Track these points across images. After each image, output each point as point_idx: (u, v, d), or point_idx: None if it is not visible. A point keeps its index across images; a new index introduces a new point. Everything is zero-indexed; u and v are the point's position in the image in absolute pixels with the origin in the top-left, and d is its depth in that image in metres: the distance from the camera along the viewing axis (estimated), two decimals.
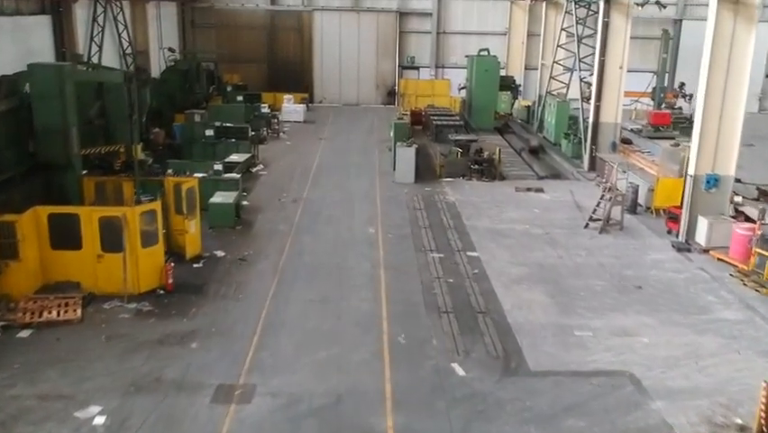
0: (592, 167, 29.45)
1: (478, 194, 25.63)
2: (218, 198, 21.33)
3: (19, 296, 15.15)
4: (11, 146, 17.20)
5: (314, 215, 22.65)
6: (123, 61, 35.57)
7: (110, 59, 33.73)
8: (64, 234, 15.80)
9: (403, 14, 46.95)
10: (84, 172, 22.38)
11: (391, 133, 29.65)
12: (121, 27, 34.85)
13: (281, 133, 36.42)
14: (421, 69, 47.72)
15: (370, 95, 48.21)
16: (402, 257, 18.93)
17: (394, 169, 27.73)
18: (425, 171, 28.40)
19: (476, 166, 27.76)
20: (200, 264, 18.11)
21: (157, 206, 16.35)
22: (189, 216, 18.20)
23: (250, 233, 20.78)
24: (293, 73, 47.35)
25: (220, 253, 18.88)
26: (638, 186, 23.94)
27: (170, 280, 16.40)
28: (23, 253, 15.12)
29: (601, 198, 22.04)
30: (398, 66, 47.60)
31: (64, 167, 17.70)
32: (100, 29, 31.86)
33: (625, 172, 25.91)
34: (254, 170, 28.44)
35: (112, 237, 15.76)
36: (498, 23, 47.01)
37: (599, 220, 21.76)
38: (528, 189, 26.13)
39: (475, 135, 32.90)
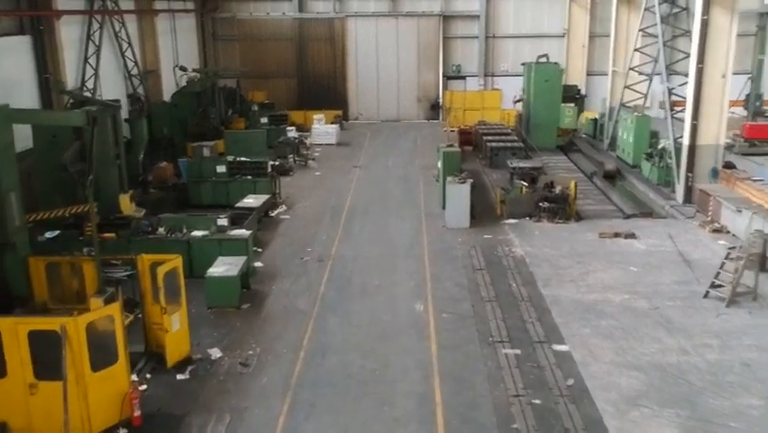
0: (688, 199, 23.78)
1: (552, 243, 20.23)
2: (219, 267, 16.41)
3: None
4: None
5: (343, 282, 17.58)
6: (129, 84, 31.17)
7: (113, 82, 29.32)
8: None
9: (447, 18, 41.73)
10: (58, 233, 18.17)
11: (439, 164, 24.45)
12: (124, 45, 30.40)
13: (310, 161, 31.49)
14: (468, 78, 42.42)
15: (412, 109, 43.09)
16: (463, 356, 13.69)
17: (443, 207, 22.54)
18: (481, 210, 23.12)
19: (546, 204, 22.35)
20: (186, 375, 13.17)
21: (114, 309, 11.43)
22: (170, 308, 13.29)
23: (259, 315, 15.80)
24: (325, 88, 42.55)
25: (215, 354, 13.93)
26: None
27: (137, 413, 11.50)
28: None
29: (727, 258, 16.49)
30: (442, 76, 42.34)
31: (0, 247, 13.01)
32: (96, 49, 27.36)
33: (739, 211, 20.29)
34: (274, 213, 23.54)
35: (48, 359, 10.92)
36: (555, 25, 41.45)
37: (722, 286, 16.23)
38: (616, 235, 20.61)
39: (539, 161, 27.43)
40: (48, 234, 17.94)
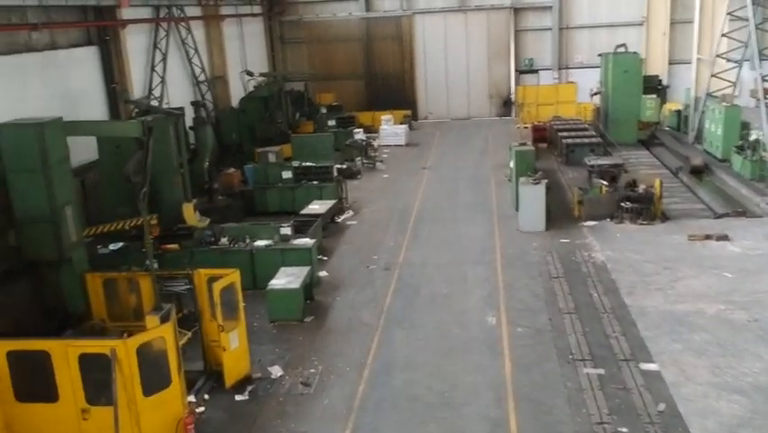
0: None
1: (636, 246, 18.76)
2: (282, 279, 15.80)
3: None
4: None
5: (411, 292, 16.68)
6: (197, 91, 31.16)
7: (181, 89, 29.32)
8: (32, 381, 10.67)
9: (518, 10, 40.15)
10: (122, 245, 17.94)
11: (511, 163, 23.23)
12: (191, 51, 30.38)
13: (378, 163, 30.70)
14: (541, 72, 40.70)
15: (483, 106, 41.71)
16: (540, 376, 12.58)
17: (517, 210, 21.34)
18: (557, 211, 21.80)
19: (628, 204, 20.83)
20: (245, 395, 12.57)
21: (166, 331, 10.88)
22: (228, 325, 12.72)
23: (322, 328, 15.09)
24: (393, 88, 41.66)
25: (276, 372, 13.27)
26: None
27: None
28: None
29: None
30: (514, 71, 40.81)
31: (56, 263, 12.72)
32: (162, 56, 27.37)
33: None
34: (341, 218, 22.85)
35: (100, 383, 10.47)
36: (634, 12, 39.21)
37: None
38: (707, 237, 18.95)
39: (620, 158, 25.79)
40: (111, 247, 17.74)
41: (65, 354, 10.39)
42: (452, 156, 31.72)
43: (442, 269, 18.02)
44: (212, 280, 12.73)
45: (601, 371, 12.61)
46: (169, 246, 17.75)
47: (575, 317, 14.83)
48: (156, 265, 17.19)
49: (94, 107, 22.91)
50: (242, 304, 13.03)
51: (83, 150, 19.91)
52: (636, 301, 15.38)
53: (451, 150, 33.21)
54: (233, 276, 12.81)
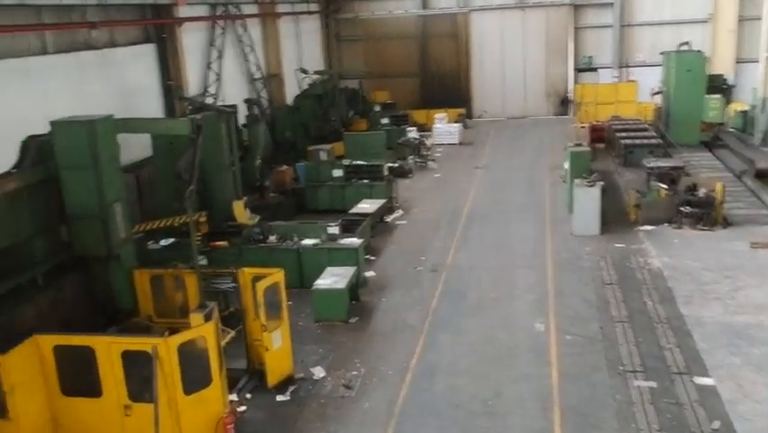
0: None
1: (695, 253, 18.03)
2: (327, 279, 15.73)
3: None
4: (40, 233, 12.67)
5: (458, 295, 16.39)
6: (252, 88, 31.43)
7: (236, 87, 29.59)
8: (77, 375, 10.84)
9: (578, 7, 39.24)
10: (173, 241, 18.16)
11: (566, 164, 22.65)
12: (247, 49, 30.64)
13: (430, 162, 30.40)
14: (600, 70, 39.70)
15: (539, 105, 40.96)
16: (588, 387, 12.16)
17: (570, 212, 20.78)
18: (613, 215, 21.15)
19: (688, 208, 20.06)
20: (286, 395, 12.52)
21: (208, 330, 10.90)
22: (271, 325, 12.70)
23: (366, 330, 14.95)
24: (448, 86, 41.26)
25: (319, 373, 13.19)
26: None
27: None
28: (13, 408, 10.24)
29: None
30: (573, 69, 39.93)
31: (105, 259, 12.91)
32: (218, 54, 27.68)
33: None
34: (390, 218, 22.67)
35: (142, 380, 10.56)
36: (699, 9, 37.85)
37: None
38: None
39: (680, 160, 24.89)
40: (162, 242, 17.99)
41: (108, 351, 10.51)
42: (506, 156, 31.19)
43: (490, 272, 17.67)
44: (256, 279, 12.73)
45: (653, 384, 12.11)
46: (218, 243, 17.89)
47: (628, 326, 14.30)
48: (205, 262, 17.57)
49: (150, 104, 23.32)
50: (285, 304, 12.98)
51: (139, 146, 20.27)
52: (693, 311, 14.75)
53: (505, 149, 32.67)
54: (276, 276, 12.77)
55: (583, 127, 34.40)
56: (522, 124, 38.95)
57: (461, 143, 34.00)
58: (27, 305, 11.84)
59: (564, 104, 40.38)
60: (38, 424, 10.69)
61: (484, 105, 41.45)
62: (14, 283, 11.97)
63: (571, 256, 18.43)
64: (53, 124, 12.51)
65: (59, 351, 10.69)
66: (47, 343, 10.66)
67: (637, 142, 27.92)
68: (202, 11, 27.13)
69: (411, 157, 30.22)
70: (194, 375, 10.70)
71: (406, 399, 12.15)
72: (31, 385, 10.53)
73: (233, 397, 12.28)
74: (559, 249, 19.01)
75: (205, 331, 10.85)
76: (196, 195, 19.21)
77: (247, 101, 23.76)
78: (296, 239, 17.77)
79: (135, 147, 20.40)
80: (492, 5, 40.03)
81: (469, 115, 40.35)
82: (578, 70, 39.87)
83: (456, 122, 36.49)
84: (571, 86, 39.80)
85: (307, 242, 17.58)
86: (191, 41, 25.74)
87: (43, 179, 12.68)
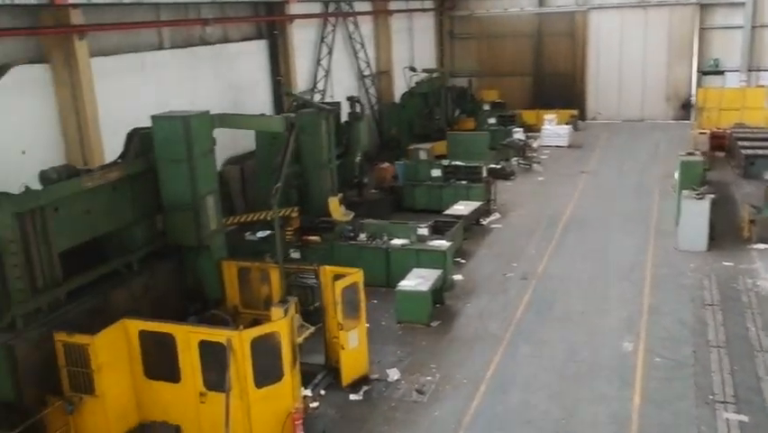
0: None
1: None
2: (412, 281, 15.71)
3: None
4: (139, 221, 13.39)
5: (545, 306, 15.93)
6: (361, 85, 31.83)
7: (346, 83, 30.05)
8: (159, 361, 11.37)
9: (705, 6, 37.07)
10: (269, 233, 18.68)
11: (676, 174, 21.49)
12: (357, 46, 31.04)
13: (535, 164, 29.66)
14: (727, 73, 37.36)
15: (658, 108, 39.08)
16: (671, 415, 11.50)
17: (677, 225, 19.71)
18: (724, 230, 19.90)
19: None
20: (359, 395, 12.64)
21: (281, 326, 11.14)
22: (348, 324, 12.83)
23: (447, 335, 14.83)
24: (562, 86, 40.12)
25: (393, 375, 13.22)
26: None
27: None
28: (100, 386, 10.90)
29: None
30: (696, 71, 37.79)
31: (196, 249, 13.47)
32: (328, 50, 28.19)
33: None
34: (486, 221, 22.33)
35: (217, 370, 10.95)
36: None
37: None
38: None
39: None
40: (259, 234, 18.56)
41: (187, 339, 10.96)
42: (616, 161, 29.98)
43: (582, 283, 17.07)
44: (336, 277, 12.89)
45: (744, 418, 11.30)
46: (310, 238, 18.27)
47: (724, 352, 13.41)
48: (298, 255, 18.01)
49: (259, 99, 24.08)
50: (363, 304, 13.07)
51: (245, 139, 21.01)
52: None
53: (616, 154, 31.40)
54: (356, 276, 12.88)
55: (703, 133, 32.47)
56: (638, 128, 37.30)
57: (569, 146, 32.99)
58: (122, 288, 12.53)
59: (685, 108, 38.33)
60: (122, 403, 11.31)
61: (599, 106, 40.05)
62: (112, 267, 12.73)
63: (671, 272, 17.48)
64: (153, 118, 13.15)
65: (144, 336, 11.26)
66: (133, 327, 11.26)
67: (760, 152, 26.11)
68: (313, 8, 27.68)
69: (515, 159, 29.66)
70: (266, 369, 10.97)
71: (477, 410, 11.96)
72: (117, 366, 11.15)
73: (307, 392, 12.50)
74: (660, 263, 18.08)
75: (278, 327, 11.09)
76: (295, 189, 19.93)
77: (349, 99, 24.03)
78: (385, 238, 17.86)
79: (242, 140, 21.20)
80: (613, 4, 38.56)
81: (582, 117, 39.12)
82: (702, 73, 37.71)
83: (567, 123, 35.45)
84: (693, 89, 37.69)
85: (397, 242, 17.62)
86: (301, 37, 26.35)
87: (144, 170, 13.36)
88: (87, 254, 12.56)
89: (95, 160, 15.79)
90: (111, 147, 15.44)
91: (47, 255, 11.29)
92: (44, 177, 11.76)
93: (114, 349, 11.08)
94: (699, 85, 37.42)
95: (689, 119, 37.81)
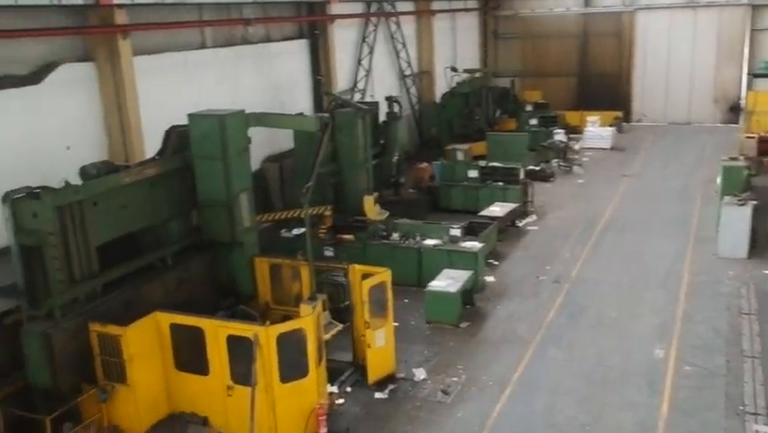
0: None
1: None
2: (442, 281, 15.76)
3: (129, 430, 11.42)
4: (175, 216, 13.76)
5: (576, 310, 15.81)
6: (402, 84, 31.94)
7: (386, 82, 30.16)
8: (189, 353, 11.68)
9: (757, 7, 36.10)
10: (300, 231, 18.91)
11: (718, 180, 21.05)
12: (399, 46, 31.14)
13: (576, 166, 29.33)
14: None
15: (706, 111, 38.22)
16: (699, 425, 11.34)
17: (718, 231, 19.31)
18: (767, 238, 19.42)
19: None
20: (384, 394, 12.77)
21: (307, 323, 11.33)
22: (375, 323, 12.96)
23: (475, 336, 14.84)
24: (607, 87, 39.51)
25: (420, 375, 13.31)
26: None
27: (323, 431, 11.31)
28: (131, 376, 11.26)
29: None
30: (747, 74, 36.82)
31: (229, 245, 13.77)
32: (369, 50, 28.36)
33: None
34: (522, 223, 22.21)
35: (243, 364, 11.20)
36: None
37: None
38: None
39: None
40: (295, 231, 18.82)
41: (216, 333, 11.25)
42: (659, 164, 29.45)
43: (616, 288, 16.88)
44: (365, 276, 13.03)
45: None
46: (344, 237, 18.44)
47: (758, 362, 13.14)
48: (331, 253, 18.21)
49: (300, 98, 24.35)
50: (391, 304, 13.18)
51: (284, 138, 21.28)
52: None
53: (660, 157, 30.85)
54: (383, 275, 13.01)
55: (751, 138, 31.63)
56: (684, 131, 36.56)
57: (612, 148, 32.51)
58: (156, 282, 12.90)
59: (734, 111, 37.39)
60: (153, 392, 11.67)
61: (644, 108, 39.36)
62: (147, 261, 13.11)
63: (709, 279, 17.16)
64: (190, 116, 13.49)
65: (175, 329, 11.60)
66: (165, 320, 11.61)
67: None
68: (355, 8, 27.85)
69: (555, 160, 29.39)
70: (291, 365, 11.19)
71: (501, 412, 11.97)
72: (148, 357, 11.51)
73: (334, 388, 12.69)
74: (698, 270, 17.77)
75: (304, 324, 11.29)
76: (331, 188, 20.13)
77: (387, 98, 24.14)
78: (418, 238, 17.93)
79: (281, 139, 21.47)
80: (660, 4, 37.84)
81: (627, 119, 38.50)
82: (753, 76, 36.69)
83: (611, 125, 34.94)
84: (743, 92, 36.74)
85: (429, 242, 17.68)
86: (342, 37, 26.53)
87: (180, 166, 13.72)
88: (124, 248, 12.97)
89: (136, 156, 16.20)
90: (152, 144, 15.79)
91: (85, 248, 11.69)
92: (84, 172, 12.18)
93: (145, 341, 11.44)
94: (749, 88, 36.46)
95: (737, 123, 36.87)
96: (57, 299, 11.24)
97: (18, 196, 11.17)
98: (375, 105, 23.84)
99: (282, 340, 11.02)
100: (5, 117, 13.86)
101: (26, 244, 11.14)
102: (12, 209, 11.08)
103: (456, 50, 37.63)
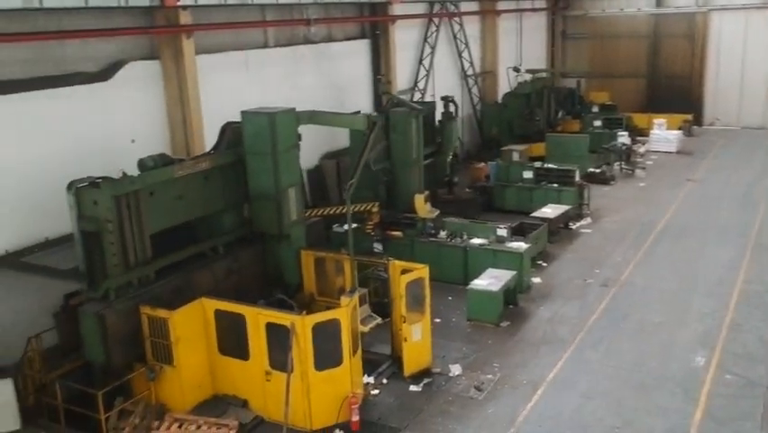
0: None
1: None
2: (485, 280, 15.95)
3: (174, 408, 12.14)
4: (228, 208, 14.46)
5: (620, 314, 15.72)
6: (464, 84, 32.09)
7: (448, 82, 30.35)
8: (232, 338, 12.31)
9: None
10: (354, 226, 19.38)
11: None
12: (461, 46, 31.29)
13: (639, 169, 28.81)
14: None
15: None
16: None
17: None
18: None
19: None
20: (419, 387, 13.08)
21: (342, 314, 11.77)
22: (411, 317, 13.30)
23: (514, 336, 14.98)
24: (678, 89, 38.56)
25: (455, 371, 13.57)
26: None
27: (355, 418, 11.74)
28: (177, 357, 11.96)
29: None
30: None
31: (277, 237, 14.36)
32: (430, 50, 28.63)
33: None
34: (576, 225, 22.08)
35: (281, 351, 11.74)
36: None
37: None
38: None
39: None
40: (345, 227, 19.26)
41: (256, 320, 11.84)
42: (726, 170, 28.62)
43: (664, 294, 16.67)
44: (404, 272, 13.38)
45: None
46: (393, 233, 18.83)
47: None
48: (380, 248, 18.62)
49: (360, 97, 24.85)
50: (429, 299, 13.49)
51: (342, 136, 21.79)
52: None
53: (728, 162, 29.96)
54: (421, 271, 13.32)
55: None
56: (757, 136, 35.31)
57: (678, 152, 31.75)
58: (206, 270, 13.59)
59: None
60: (197, 374, 12.37)
61: (717, 111, 38.20)
62: (199, 250, 13.82)
63: (763, 289, 16.76)
64: (243, 113, 14.13)
65: (219, 315, 12.25)
66: (210, 306, 12.28)
67: None
68: (417, 8, 28.14)
69: (617, 163, 28.93)
70: (326, 354, 11.68)
71: (532, 411, 12.11)
72: (194, 341, 12.21)
73: (370, 379, 13.10)
74: (752, 279, 17.35)
75: (339, 314, 11.75)
76: (383, 185, 20.56)
77: (443, 98, 24.36)
78: (465, 237, 18.14)
79: (340, 137, 22.00)
80: (736, 5, 36.64)
81: (698, 122, 37.48)
82: None
83: (679, 128, 34.10)
84: None
85: (475, 241, 17.87)
86: (404, 37, 26.86)
87: (233, 161, 14.39)
88: (181, 237, 13.72)
89: (196, 150, 17.02)
90: (213, 139, 16.53)
91: (139, 235, 12.46)
92: (141, 164, 12.98)
93: (191, 325, 12.13)
94: None
95: None
96: (112, 282, 12.03)
97: (81, 185, 12.01)
98: (431, 105, 24.12)
99: (317, 329, 11.51)
100: (77, 111, 14.86)
101: (87, 229, 11.95)
102: (75, 197, 11.91)
103: (521, 49, 37.46)
